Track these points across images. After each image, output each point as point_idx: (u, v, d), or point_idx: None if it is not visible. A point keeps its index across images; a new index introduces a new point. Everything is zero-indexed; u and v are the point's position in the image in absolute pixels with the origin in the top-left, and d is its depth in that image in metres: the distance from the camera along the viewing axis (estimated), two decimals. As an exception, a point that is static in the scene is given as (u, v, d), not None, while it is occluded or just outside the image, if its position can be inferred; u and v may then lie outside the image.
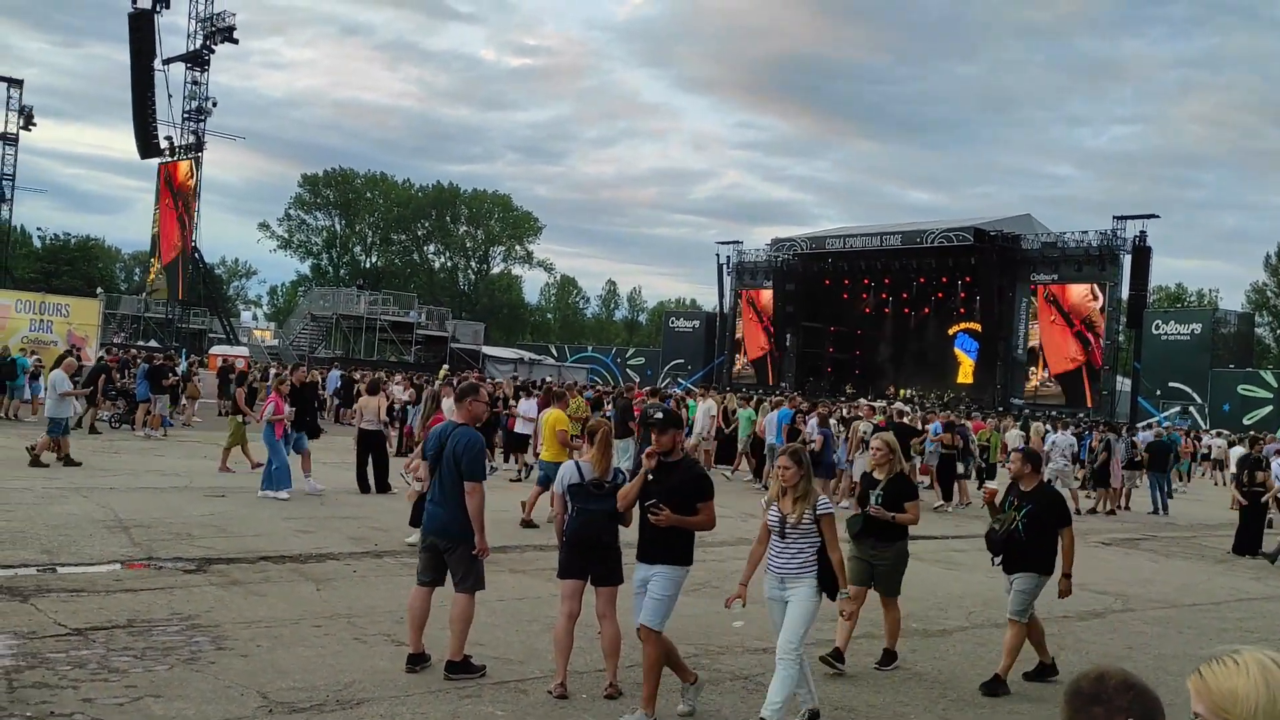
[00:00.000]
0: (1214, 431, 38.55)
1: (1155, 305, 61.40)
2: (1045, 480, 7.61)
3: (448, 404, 15.65)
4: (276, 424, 13.83)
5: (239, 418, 16.46)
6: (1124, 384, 47.90)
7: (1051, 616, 9.65)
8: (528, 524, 12.62)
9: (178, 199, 50.65)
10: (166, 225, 51.82)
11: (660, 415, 6.06)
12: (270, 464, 13.76)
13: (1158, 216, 46.10)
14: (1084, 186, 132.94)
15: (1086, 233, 47.40)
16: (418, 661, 6.47)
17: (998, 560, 7.22)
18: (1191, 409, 45.45)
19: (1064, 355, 47.20)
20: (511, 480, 17.42)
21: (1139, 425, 27.00)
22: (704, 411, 19.51)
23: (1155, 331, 47.77)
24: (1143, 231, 44.64)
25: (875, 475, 7.46)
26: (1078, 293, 46.74)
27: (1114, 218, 46.13)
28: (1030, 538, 7.01)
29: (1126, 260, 45.25)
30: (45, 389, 17.67)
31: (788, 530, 5.94)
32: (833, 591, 6.00)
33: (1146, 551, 15.27)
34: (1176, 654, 8.36)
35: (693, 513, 5.86)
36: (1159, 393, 46.44)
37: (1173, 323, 49.23)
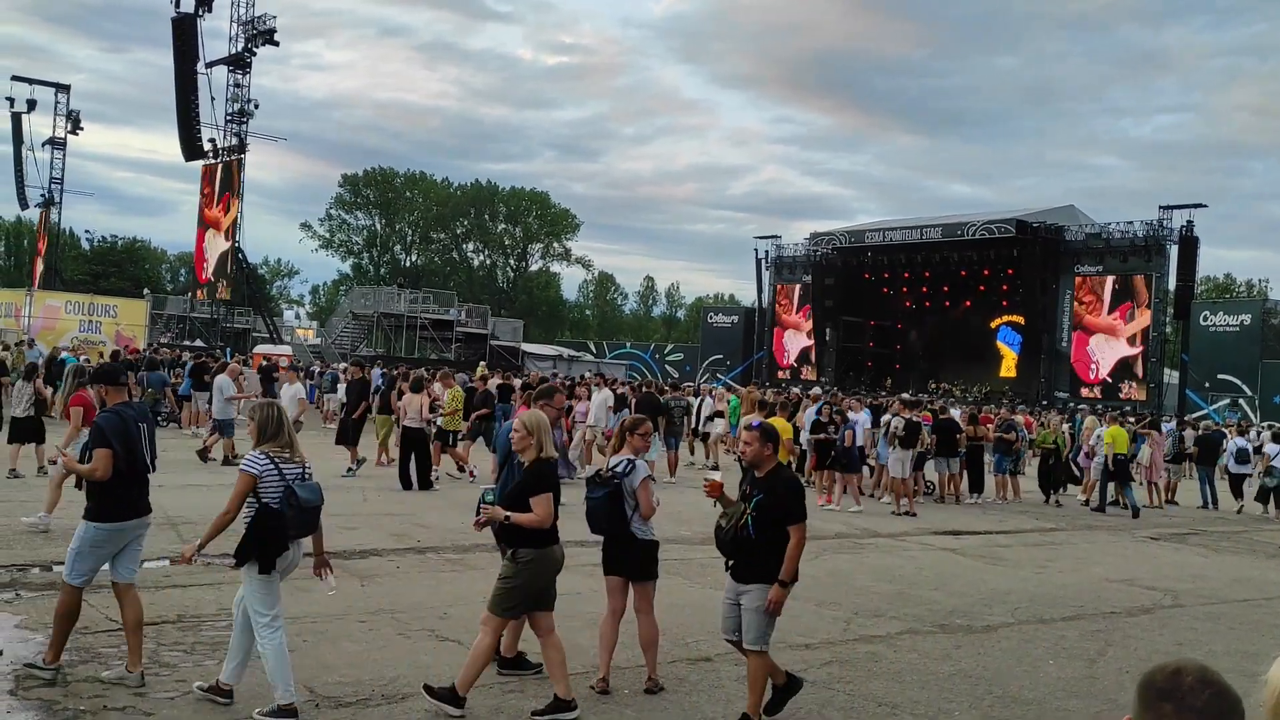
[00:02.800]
0: (1265, 424, 37.83)
1: (1203, 296, 60.32)
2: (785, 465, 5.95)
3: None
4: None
5: (390, 416, 17.28)
6: (1172, 376, 47.12)
7: (1099, 613, 9.55)
8: None
9: (207, 225, 51.35)
10: (199, 241, 52.59)
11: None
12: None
13: (1205, 206, 45.29)
14: (1129, 177, 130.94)
15: (1132, 223, 46.63)
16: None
17: (730, 564, 5.93)
18: (1241, 401, 44.61)
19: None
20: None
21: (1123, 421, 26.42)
22: (599, 402, 18.87)
23: (1203, 323, 46.94)
24: (1189, 221, 43.84)
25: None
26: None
27: (1160, 207, 45.35)
28: (762, 537, 5.63)
29: (1173, 250, 44.48)
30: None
31: None
32: (257, 560, 5.39)
33: (1196, 546, 15.03)
34: (1228, 650, 8.20)
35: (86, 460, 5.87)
36: (1208, 385, 45.62)
37: (1221, 314, 48.34)
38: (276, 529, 5.35)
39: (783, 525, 5.63)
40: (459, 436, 16.97)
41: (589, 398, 19.26)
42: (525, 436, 5.88)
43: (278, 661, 5.36)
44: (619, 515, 6.20)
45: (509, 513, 5.67)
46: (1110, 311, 46.57)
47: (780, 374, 58.53)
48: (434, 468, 15.83)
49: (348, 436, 16.82)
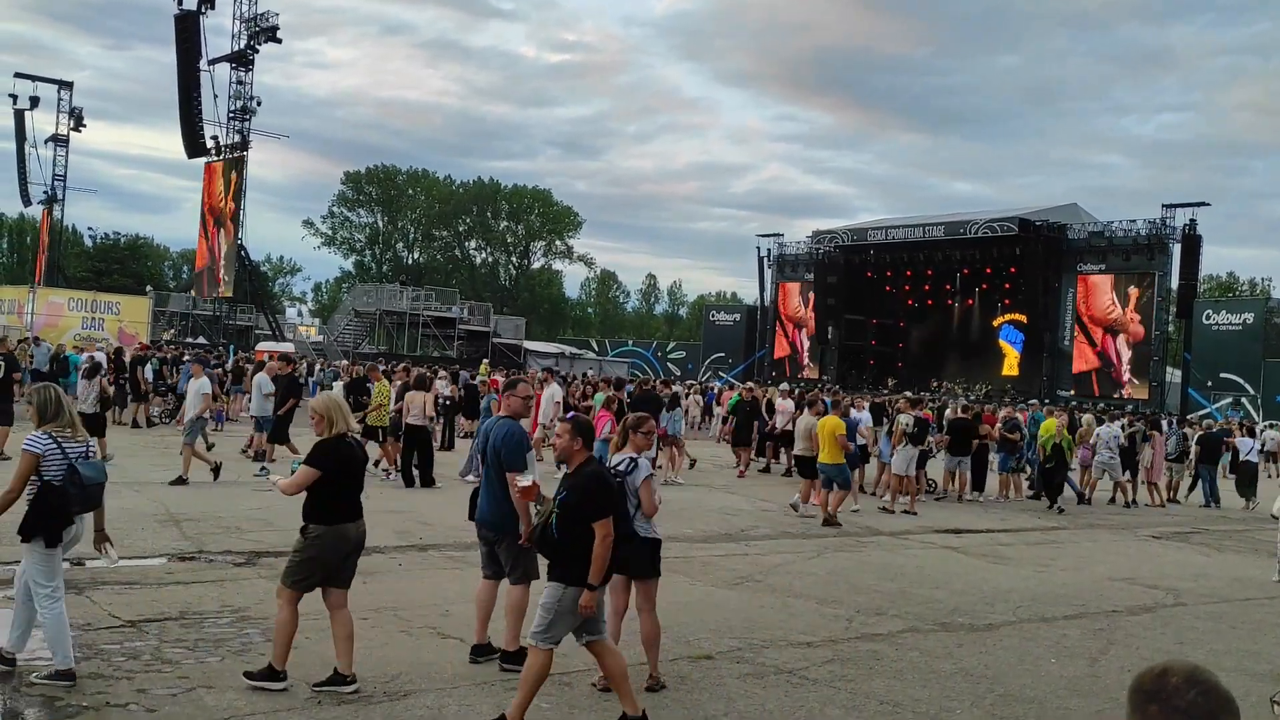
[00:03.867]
0: (1267, 423, 37.80)
1: (1206, 295, 60.22)
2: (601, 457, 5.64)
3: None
4: (610, 443, 14.02)
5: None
6: (1174, 375, 47.08)
7: (1101, 611, 9.55)
8: (830, 522, 13.67)
9: (211, 216, 51.38)
10: (213, 237, 52.59)
11: None
12: None
13: (1208, 204, 45.19)
14: (1131, 175, 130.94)
15: (1135, 221, 46.60)
16: (481, 653, 6.61)
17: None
18: (1244, 400, 44.55)
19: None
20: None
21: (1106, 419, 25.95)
22: (547, 398, 18.17)
23: (1206, 321, 46.83)
24: (1192, 220, 43.79)
25: None
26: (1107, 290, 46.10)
27: (1163, 206, 45.29)
28: (565, 536, 5.39)
29: (1176, 249, 44.44)
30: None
31: None
32: (43, 535, 5.62)
33: (1198, 545, 15.02)
34: (1230, 649, 8.19)
35: None
36: (1210, 384, 45.56)
37: (1224, 312, 48.22)
38: (60, 505, 5.61)
39: (587, 523, 5.35)
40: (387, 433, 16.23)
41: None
42: (316, 419, 6.05)
43: (57, 630, 5.64)
44: (622, 514, 6.19)
45: (282, 481, 5.99)
46: (1112, 310, 46.52)
47: (780, 372, 58.49)
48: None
49: (277, 434, 16.07)
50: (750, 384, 35.25)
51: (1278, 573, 12.03)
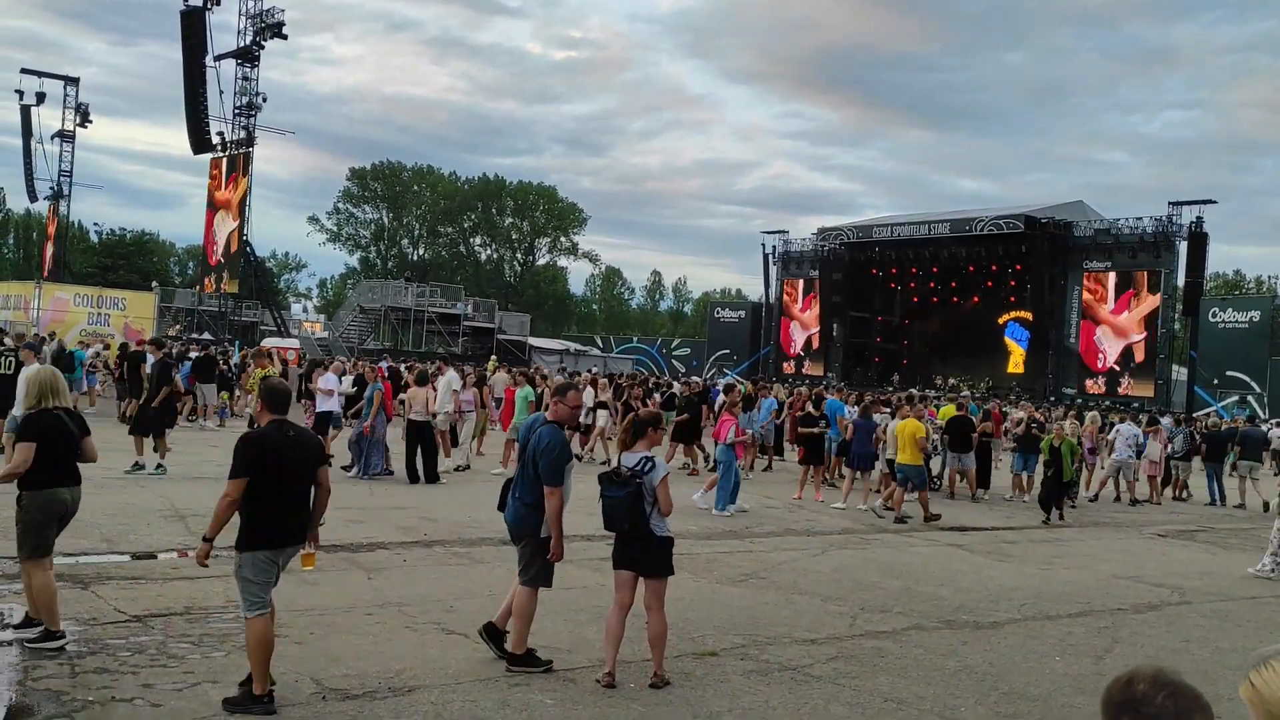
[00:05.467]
0: (1274, 421, 37.70)
1: (1212, 292, 60.07)
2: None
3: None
4: (738, 445, 14.38)
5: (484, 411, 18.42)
6: (1180, 373, 46.96)
7: (1106, 609, 9.54)
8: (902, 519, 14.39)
9: (212, 211, 51.55)
10: (207, 227, 52.69)
11: None
12: (724, 482, 14.07)
13: (1215, 202, 45.02)
14: (1138, 173, 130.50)
15: (1141, 219, 46.45)
16: (489, 631, 6.67)
17: None
18: (1250, 398, 44.43)
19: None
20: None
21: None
22: (445, 384, 17.21)
23: (1212, 319, 46.70)
24: (1199, 217, 43.64)
25: None
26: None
27: (1169, 203, 45.15)
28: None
29: (1182, 247, 44.31)
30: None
31: None
32: None
33: (1203, 543, 15.00)
34: (1235, 648, 8.20)
35: None
36: (1216, 382, 45.45)
37: (1230, 310, 48.08)
38: None
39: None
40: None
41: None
42: (29, 393, 6.45)
43: None
44: (639, 514, 6.20)
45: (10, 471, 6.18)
46: (1118, 307, 46.43)
47: (787, 368, 58.47)
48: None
49: (143, 425, 14.38)
50: (694, 379, 34.90)
51: (1265, 565, 12.06)
